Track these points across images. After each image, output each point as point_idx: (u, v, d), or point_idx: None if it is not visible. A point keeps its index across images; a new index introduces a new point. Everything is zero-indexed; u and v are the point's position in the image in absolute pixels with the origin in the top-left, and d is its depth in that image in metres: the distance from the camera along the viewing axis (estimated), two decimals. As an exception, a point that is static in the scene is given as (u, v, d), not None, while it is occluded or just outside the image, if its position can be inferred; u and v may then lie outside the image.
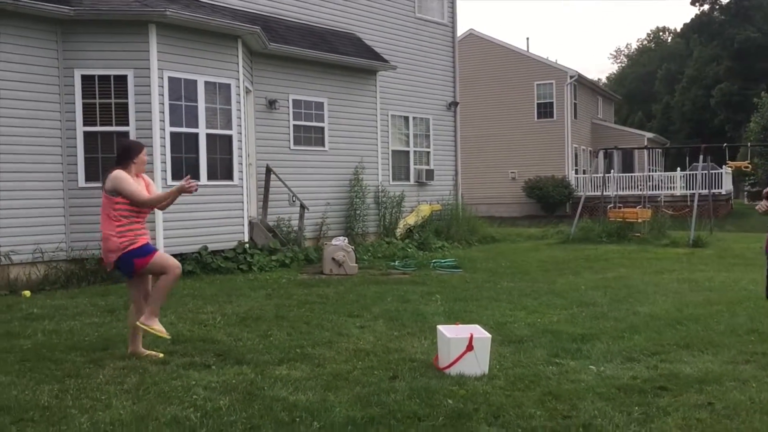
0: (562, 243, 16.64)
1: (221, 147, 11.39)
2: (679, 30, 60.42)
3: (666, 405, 4.47)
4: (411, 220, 15.90)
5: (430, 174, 17.25)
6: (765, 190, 5.95)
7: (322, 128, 14.50)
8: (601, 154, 22.08)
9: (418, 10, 17.44)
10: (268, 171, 13.19)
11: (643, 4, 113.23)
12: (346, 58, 14.46)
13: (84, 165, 10.35)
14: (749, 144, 21.95)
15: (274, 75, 13.58)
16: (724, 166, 24.59)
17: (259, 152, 13.29)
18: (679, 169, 28.99)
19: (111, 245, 5.53)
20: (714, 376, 5.08)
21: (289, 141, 13.89)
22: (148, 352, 5.77)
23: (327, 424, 4.12)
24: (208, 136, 11.17)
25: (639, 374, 5.17)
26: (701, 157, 18.04)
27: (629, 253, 14.12)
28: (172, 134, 10.71)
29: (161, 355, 5.72)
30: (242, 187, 11.75)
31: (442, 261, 12.36)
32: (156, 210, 6.31)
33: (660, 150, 36.65)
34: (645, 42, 76.76)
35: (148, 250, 5.59)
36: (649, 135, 37.71)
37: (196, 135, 11.02)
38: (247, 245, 11.63)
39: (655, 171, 34.10)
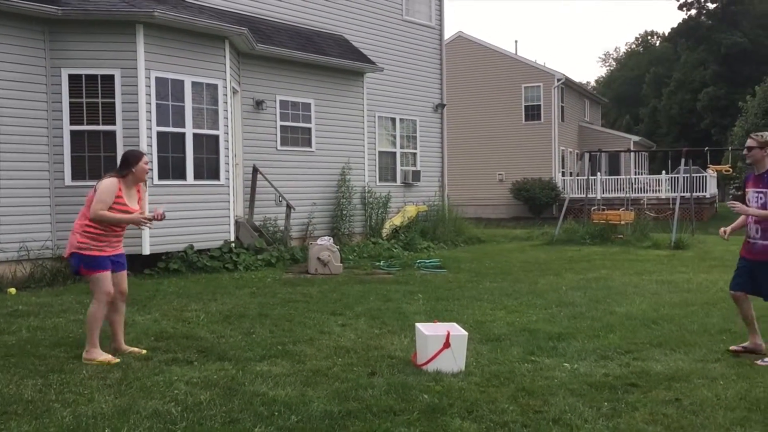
0: (546, 244, 16.82)
1: (208, 147, 11.46)
2: (667, 34, 60.97)
3: (635, 401, 4.61)
4: (397, 220, 16.03)
5: (416, 175, 17.39)
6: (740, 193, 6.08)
7: (309, 129, 14.59)
8: (585, 157, 22.30)
9: (406, 13, 17.57)
10: (255, 171, 13.28)
11: (631, 8, 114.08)
12: (333, 59, 14.57)
13: (71, 164, 10.40)
14: (730, 148, 22.24)
15: (261, 76, 13.67)
16: (707, 170, 24.87)
17: (246, 152, 13.38)
18: (664, 172, 29.30)
19: (72, 239, 5.61)
20: (683, 374, 5.23)
21: (276, 141, 13.99)
22: (131, 348, 5.85)
23: (305, 418, 4.24)
24: (195, 136, 11.25)
25: (611, 371, 5.31)
26: (683, 160, 18.25)
27: (611, 254, 14.30)
28: (159, 134, 10.78)
29: (144, 351, 5.81)
30: (229, 186, 11.83)
31: (427, 261, 12.49)
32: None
33: (645, 153, 36.97)
34: (633, 46, 77.34)
35: (95, 265, 5.55)
36: (635, 138, 38.05)
37: (183, 135, 11.09)
38: (233, 244, 11.72)
39: (641, 174, 34.42)
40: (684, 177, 19.64)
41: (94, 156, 10.43)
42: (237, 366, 5.40)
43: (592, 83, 76.19)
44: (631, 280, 10.48)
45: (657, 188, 28.54)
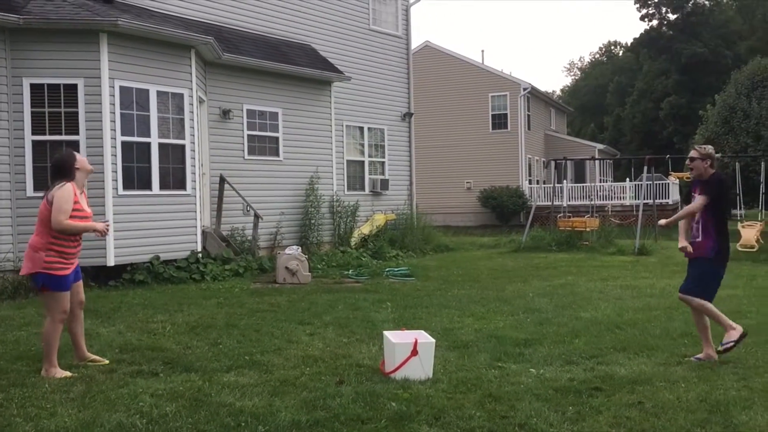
0: (513, 252, 16.98)
1: (174, 156, 11.36)
2: (629, 44, 62.03)
3: (599, 404, 4.68)
4: (366, 229, 16.05)
5: (384, 184, 17.44)
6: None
7: (277, 138, 14.56)
8: (551, 165, 22.58)
9: (373, 23, 17.66)
10: (222, 180, 13.20)
11: (595, 18, 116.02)
12: (301, 68, 14.57)
13: (33, 174, 10.22)
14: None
15: (228, 85, 13.61)
16: (669, 177, 25.35)
17: (212, 162, 13.29)
18: (628, 179, 29.78)
19: (35, 257, 5.39)
20: (646, 377, 5.33)
21: (243, 151, 13.92)
22: (94, 356, 5.80)
23: (272, 428, 4.22)
24: (161, 145, 11.14)
25: (576, 376, 5.38)
26: (645, 168, 18.60)
27: (577, 261, 14.49)
28: (124, 143, 10.66)
29: (107, 361, 5.75)
30: (195, 196, 11.73)
31: (396, 269, 12.52)
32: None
33: (610, 161, 37.55)
34: (597, 56, 78.54)
35: (61, 285, 5.44)
36: (600, 146, 38.65)
37: (149, 144, 10.98)
38: (200, 255, 11.62)
39: (606, 181, 34.94)
40: (647, 184, 19.99)
41: (57, 166, 10.25)
42: (203, 377, 5.36)
43: (558, 92, 77.21)
44: (596, 285, 10.64)
45: (621, 195, 29.01)
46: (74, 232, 5.48)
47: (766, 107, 26.71)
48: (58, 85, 10.31)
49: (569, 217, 19.73)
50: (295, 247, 12.01)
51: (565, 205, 24.73)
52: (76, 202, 5.47)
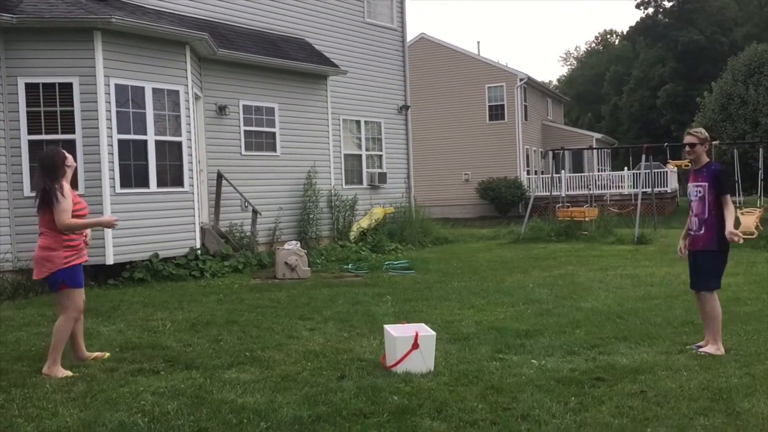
0: (512, 243, 16.97)
1: (171, 154, 11.33)
2: (625, 33, 61.97)
3: (601, 394, 4.68)
4: (364, 223, 16.03)
5: (382, 177, 17.41)
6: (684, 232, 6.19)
7: (274, 133, 14.52)
8: (549, 155, 22.57)
9: (368, 15, 17.59)
10: (220, 177, 13.17)
11: (590, 7, 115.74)
12: (297, 63, 14.52)
13: (29, 174, 10.18)
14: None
15: (223, 81, 13.56)
16: (668, 165, 25.34)
17: (210, 158, 13.26)
18: (626, 168, 29.77)
19: (51, 257, 5.44)
20: (648, 366, 5.32)
21: (241, 146, 13.89)
22: (94, 354, 5.80)
23: (274, 424, 4.22)
24: (157, 142, 11.11)
25: (578, 366, 5.38)
26: (644, 156, 18.58)
27: (577, 251, 14.48)
28: (120, 141, 10.62)
29: (107, 354, 5.77)
30: (193, 193, 11.70)
31: (395, 263, 12.52)
32: None
33: (607, 150, 37.53)
34: (593, 44, 78.47)
35: (76, 280, 5.55)
36: (598, 135, 38.61)
37: (145, 142, 10.95)
38: (199, 251, 11.60)
39: (604, 170, 34.93)
40: (645, 173, 19.98)
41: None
42: (205, 374, 5.35)
43: (554, 82, 77.11)
44: (596, 275, 10.63)
45: (620, 184, 28.99)
46: (79, 228, 5.59)
47: (763, 93, 26.70)
48: (54, 84, 10.26)
49: (568, 207, 19.72)
50: (294, 242, 11.99)
51: (563, 195, 24.69)
52: (77, 203, 5.57)
